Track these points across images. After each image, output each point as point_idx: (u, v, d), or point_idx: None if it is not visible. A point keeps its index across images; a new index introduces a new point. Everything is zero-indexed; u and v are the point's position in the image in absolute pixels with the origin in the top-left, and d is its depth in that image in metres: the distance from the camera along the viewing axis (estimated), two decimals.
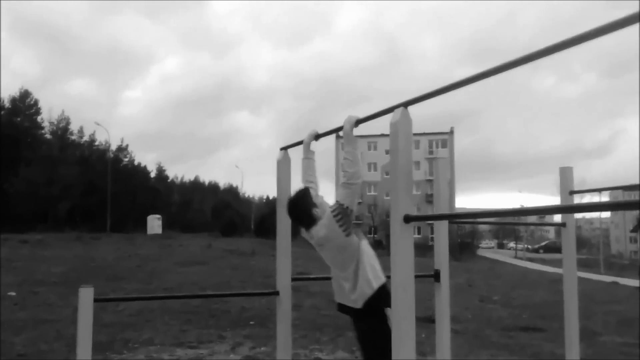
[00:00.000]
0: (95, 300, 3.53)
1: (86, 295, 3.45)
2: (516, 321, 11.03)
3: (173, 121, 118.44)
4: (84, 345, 3.40)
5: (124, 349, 7.16)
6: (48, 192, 47.85)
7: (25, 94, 64.22)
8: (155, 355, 6.92)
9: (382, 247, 41.20)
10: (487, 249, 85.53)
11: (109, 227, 42.67)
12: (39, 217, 46.63)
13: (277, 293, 3.98)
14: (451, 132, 78.91)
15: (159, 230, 43.52)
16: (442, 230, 4.01)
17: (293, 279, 4.03)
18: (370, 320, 3.29)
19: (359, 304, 3.27)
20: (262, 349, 7.68)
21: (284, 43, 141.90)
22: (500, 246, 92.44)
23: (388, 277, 3.01)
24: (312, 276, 4.32)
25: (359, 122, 3.18)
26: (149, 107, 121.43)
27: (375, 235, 59.90)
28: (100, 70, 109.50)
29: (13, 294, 11.12)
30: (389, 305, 2.51)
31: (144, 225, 45.71)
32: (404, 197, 2.35)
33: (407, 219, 2.31)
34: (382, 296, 3.21)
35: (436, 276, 3.90)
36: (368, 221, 61.19)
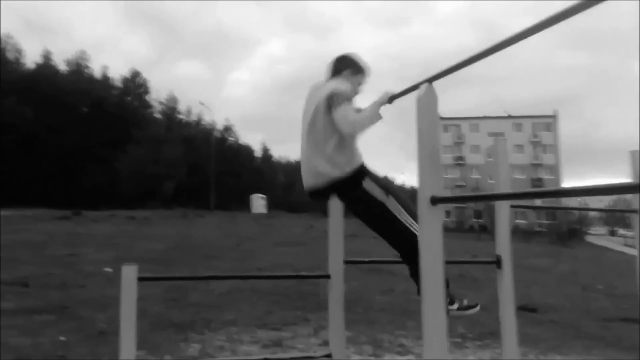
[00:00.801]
0: (139, 279, 3.50)
1: (129, 274, 3.42)
2: (617, 312, 10.75)
3: (278, 103, 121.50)
4: (127, 325, 3.36)
5: (205, 329, 7.24)
6: (154, 170, 50.30)
7: (135, 74, 67.94)
8: (236, 336, 6.93)
9: (487, 231, 40.44)
10: (597, 235, 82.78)
11: (212, 205, 44.22)
12: (146, 195, 49.23)
13: (328, 276, 3.88)
14: (555, 116, 77.24)
15: (263, 210, 44.58)
16: (503, 213, 3.72)
17: (345, 262, 3.90)
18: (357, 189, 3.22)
19: (340, 173, 3.21)
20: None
21: (384, 25, 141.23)
22: (612, 233, 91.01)
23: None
24: (366, 259, 4.12)
25: (392, 98, 3.00)
26: (255, 89, 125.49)
27: (480, 220, 59.19)
28: (208, 52, 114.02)
29: (109, 270, 11.66)
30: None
31: (248, 204, 46.96)
32: (430, 177, 2.23)
33: (434, 200, 2.19)
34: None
35: (498, 262, 3.69)
36: (472, 205, 60.12)
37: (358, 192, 3.17)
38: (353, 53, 3.55)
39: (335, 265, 3.91)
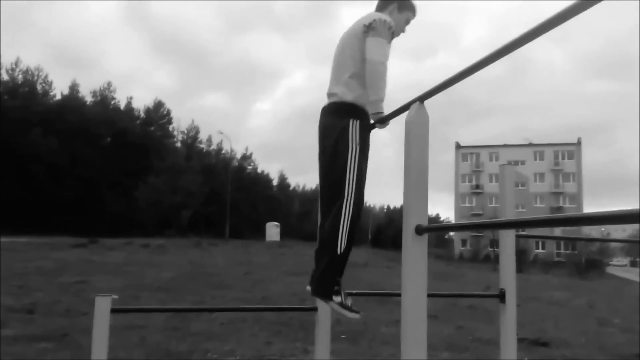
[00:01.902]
0: (112, 311, 3.38)
1: (103, 305, 3.31)
2: (634, 348, 10.08)
3: (297, 133, 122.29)
4: (98, 357, 3.24)
5: None
6: (172, 200, 50.56)
7: (158, 105, 68.81)
8: None
9: None
10: (619, 266, 79.71)
11: (227, 234, 44.19)
12: (164, 224, 49.45)
13: (315, 309, 3.74)
14: (578, 144, 75.33)
15: (277, 238, 44.35)
16: (508, 243, 3.46)
17: None
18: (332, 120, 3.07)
19: (338, 98, 3.08)
20: None
21: (409, 56, 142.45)
22: (634, 264, 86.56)
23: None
24: (353, 291, 3.93)
25: (382, 120, 2.90)
26: (276, 119, 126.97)
27: (497, 249, 58.26)
28: (233, 83, 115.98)
29: (115, 297, 11.55)
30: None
31: (263, 232, 46.85)
32: (416, 205, 2.06)
33: (420, 230, 2.02)
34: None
35: (501, 297, 3.41)
36: (489, 235, 59.18)
37: (342, 122, 2.96)
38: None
39: None
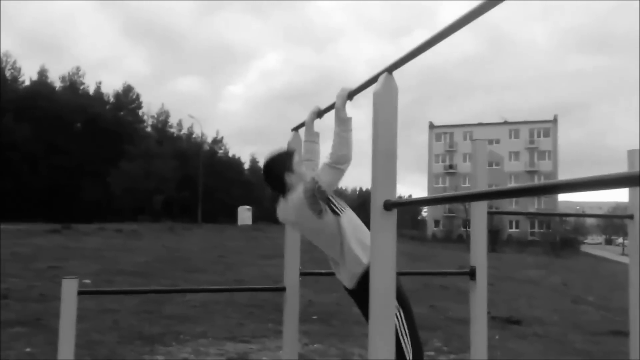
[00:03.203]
0: (80, 293, 3.38)
1: (70, 287, 3.30)
2: (608, 325, 10.05)
3: (271, 115, 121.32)
4: (66, 339, 3.25)
5: (173, 342, 7.10)
6: (145, 185, 50.06)
7: (128, 89, 67.70)
8: (203, 349, 6.80)
9: None
10: (594, 245, 78.94)
11: (200, 218, 43.95)
12: (137, 210, 49.00)
13: (283, 289, 3.77)
14: (555, 121, 73.33)
15: (249, 222, 44.17)
16: (479, 218, 3.46)
17: (301, 274, 3.78)
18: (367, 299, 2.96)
19: (351, 285, 2.96)
20: (315, 346, 7.41)
21: (384, 36, 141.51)
22: (608, 242, 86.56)
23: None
24: (322, 271, 3.96)
25: (351, 95, 2.71)
26: (249, 103, 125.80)
27: (469, 229, 57.90)
28: (204, 66, 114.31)
29: (88, 281, 11.47)
30: None
31: (235, 217, 46.63)
32: (384, 180, 2.03)
33: (388, 205, 1.99)
34: None
35: (472, 274, 3.41)
36: (462, 214, 58.92)
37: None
38: (267, 158, 3.17)
39: (291, 277, 3.80)
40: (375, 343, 2.08)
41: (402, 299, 2.83)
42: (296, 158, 3.13)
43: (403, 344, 2.79)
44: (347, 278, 2.97)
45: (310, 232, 3.02)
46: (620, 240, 74.24)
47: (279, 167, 3.06)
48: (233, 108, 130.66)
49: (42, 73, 62.54)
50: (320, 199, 2.80)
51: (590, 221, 68.86)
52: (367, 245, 2.86)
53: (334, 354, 6.92)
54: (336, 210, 2.89)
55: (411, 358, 2.81)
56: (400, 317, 2.81)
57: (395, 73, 2.08)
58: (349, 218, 2.95)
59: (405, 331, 2.82)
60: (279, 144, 3.36)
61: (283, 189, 3.06)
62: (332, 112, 2.85)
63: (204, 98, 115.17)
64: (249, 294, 10.73)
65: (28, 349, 6.31)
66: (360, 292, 2.86)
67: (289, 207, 2.98)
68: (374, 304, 2.07)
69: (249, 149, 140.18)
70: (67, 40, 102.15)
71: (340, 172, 2.78)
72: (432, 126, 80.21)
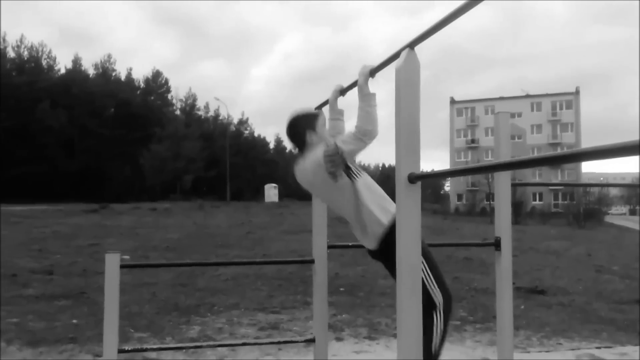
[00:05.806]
0: (122, 267, 3.46)
1: (112, 261, 3.38)
2: (632, 294, 9.63)
3: (295, 96, 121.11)
4: (111, 311, 3.33)
5: (208, 312, 7.24)
6: (175, 165, 50.55)
7: (157, 74, 68.09)
8: (236, 319, 6.91)
9: None
10: (618, 215, 73.64)
11: (228, 196, 44.26)
12: (168, 189, 49.60)
13: (312, 261, 3.77)
14: (577, 93, 69.81)
15: (275, 199, 44.35)
16: (503, 189, 3.37)
17: (329, 247, 3.75)
18: (392, 256, 2.99)
19: (374, 245, 2.92)
20: (342, 316, 7.47)
21: (405, 12, 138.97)
22: (632, 212, 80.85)
23: None
24: (349, 243, 3.95)
25: (373, 72, 2.66)
26: (272, 84, 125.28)
27: (492, 202, 56.40)
28: (228, 50, 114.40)
29: (127, 257, 11.70)
30: None
31: (262, 194, 46.85)
32: (408, 153, 2.02)
33: (412, 178, 1.98)
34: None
35: (497, 244, 3.34)
36: (484, 188, 57.42)
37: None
38: (293, 113, 3.13)
39: (319, 250, 3.76)
40: (403, 327, 2.08)
41: (424, 251, 2.77)
42: (321, 120, 3.12)
43: (431, 291, 2.81)
44: (370, 240, 2.94)
45: (325, 194, 3.02)
46: None
47: (303, 123, 3.05)
48: (257, 89, 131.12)
49: (76, 61, 63.21)
50: (339, 163, 2.79)
51: (614, 192, 65.69)
52: (385, 207, 2.89)
53: (361, 324, 6.96)
54: (352, 175, 2.88)
55: (441, 302, 2.83)
56: (425, 267, 2.79)
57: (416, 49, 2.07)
58: (365, 182, 2.92)
59: (431, 279, 2.83)
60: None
61: (303, 145, 3.05)
62: (355, 90, 2.84)
63: (229, 81, 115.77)
64: (276, 268, 10.82)
65: (74, 321, 6.48)
66: (384, 251, 2.85)
67: (307, 167, 2.96)
68: (401, 279, 2.07)
69: (273, 129, 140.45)
70: (99, 29, 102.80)
71: (364, 144, 2.75)
72: (453, 101, 77.35)
